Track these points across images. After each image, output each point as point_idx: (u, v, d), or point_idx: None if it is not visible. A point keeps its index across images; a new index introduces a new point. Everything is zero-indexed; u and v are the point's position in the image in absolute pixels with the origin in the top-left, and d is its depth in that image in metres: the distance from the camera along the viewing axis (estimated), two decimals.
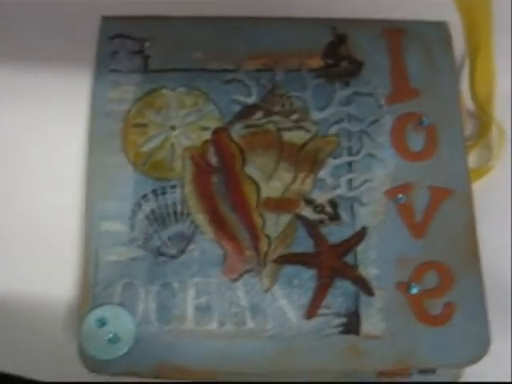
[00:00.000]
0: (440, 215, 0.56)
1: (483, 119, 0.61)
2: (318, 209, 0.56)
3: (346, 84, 0.59)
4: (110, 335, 0.52)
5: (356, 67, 0.60)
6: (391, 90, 0.59)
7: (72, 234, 0.57)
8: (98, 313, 0.53)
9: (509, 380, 0.55)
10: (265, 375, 0.53)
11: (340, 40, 0.60)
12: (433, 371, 0.54)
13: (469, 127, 0.61)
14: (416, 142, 0.58)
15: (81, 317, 0.53)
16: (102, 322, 0.53)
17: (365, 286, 0.54)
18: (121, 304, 0.53)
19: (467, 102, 0.62)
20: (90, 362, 0.52)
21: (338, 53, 0.60)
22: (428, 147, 0.57)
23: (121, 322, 0.53)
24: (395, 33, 0.61)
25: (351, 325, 0.53)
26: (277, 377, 0.54)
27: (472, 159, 0.59)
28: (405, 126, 0.58)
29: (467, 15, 0.63)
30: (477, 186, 0.57)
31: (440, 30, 0.61)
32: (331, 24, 0.61)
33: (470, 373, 0.54)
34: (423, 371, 0.54)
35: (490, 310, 0.53)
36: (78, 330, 0.52)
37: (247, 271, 0.54)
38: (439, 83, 0.59)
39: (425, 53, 0.60)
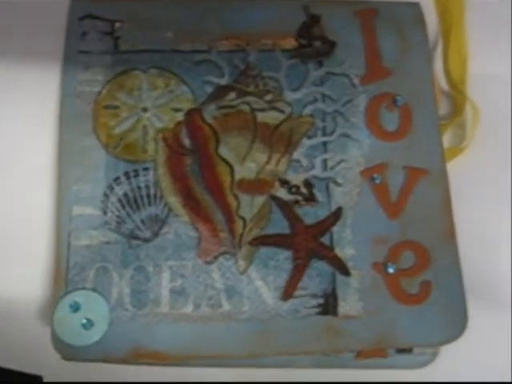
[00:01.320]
0: (415, 195, 0.55)
1: (457, 99, 0.61)
2: (293, 190, 0.55)
3: (320, 64, 0.59)
4: (84, 320, 0.51)
5: (329, 47, 0.59)
6: (365, 70, 0.59)
7: (43, 218, 0.56)
8: (71, 298, 0.52)
9: (509, 380, 0.55)
10: (242, 358, 0.53)
11: (313, 20, 0.60)
12: (410, 351, 0.54)
13: (443, 107, 0.61)
14: (390, 121, 0.57)
15: (54, 302, 0.52)
16: (76, 308, 0.52)
17: (341, 267, 0.53)
18: (94, 289, 0.52)
19: (441, 81, 0.62)
20: (64, 349, 0.51)
21: (312, 33, 0.59)
22: (402, 127, 0.57)
23: (94, 307, 0.52)
24: (368, 13, 0.61)
25: (328, 305, 0.53)
26: (254, 360, 0.53)
27: (446, 139, 0.59)
28: (379, 105, 0.58)
29: None
30: (451, 166, 0.57)
31: (412, 10, 0.61)
32: (304, 4, 0.60)
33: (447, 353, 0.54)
34: (400, 351, 0.54)
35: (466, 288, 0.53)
36: (51, 316, 0.51)
37: (222, 254, 0.54)
38: (412, 63, 0.59)
39: (398, 33, 0.60)
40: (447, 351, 0.54)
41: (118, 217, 0.54)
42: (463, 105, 0.60)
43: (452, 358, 0.55)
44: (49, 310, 0.52)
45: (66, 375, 0.53)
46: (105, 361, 0.52)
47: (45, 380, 0.53)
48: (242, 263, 0.54)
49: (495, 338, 0.56)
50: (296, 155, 0.56)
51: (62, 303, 0.52)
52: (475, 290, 0.54)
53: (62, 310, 0.52)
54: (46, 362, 0.52)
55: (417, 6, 0.61)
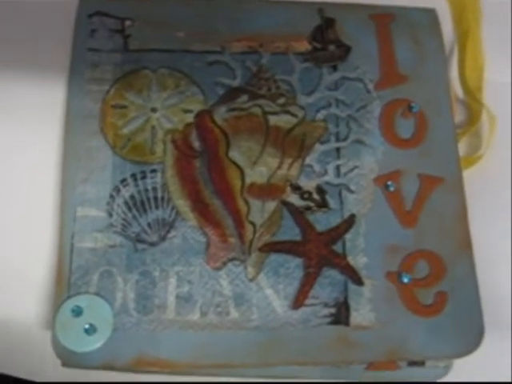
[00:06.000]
0: (430, 203, 0.54)
1: (473, 107, 0.60)
2: (305, 195, 0.54)
3: (334, 68, 0.58)
4: (87, 326, 0.50)
5: (344, 52, 0.58)
6: (380, 75, 0.58)
7: (47, 219, 0.54)
8: (74, 302, 0.50)
9: (509, 380, 0.54)
10: (249, 368, 0.51)
11: (328, 24, 0.59)
12: (422, 364, 0.52)
13: (459, 115, 0.60)
14: (405, 128, 0.56)
15: (56, 306, 0.50)
16: (78, 312, 0.50)
17: (354, 276, 0.52)
18: (98, 293, 0.51)
19: (457, 89, 0.61)
20: (65, 354, 0.49)
21: (326, 37, 0.58)
22: (418, 134, 0.56)
23: (98, 312, 0.50)
24: (384, 18, 0.60)
25: (340, 315, 0.51)
26: (262, 370, 0.51)
27: (462, 147, 0.58)
28: (393, 112, 0.57)
29: (455, 2, 0.63)
30: (467, 175, 0.55)
31: (428, 16, 0.61)
32: (319, 7, 0.60)
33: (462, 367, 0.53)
34: (412, 363, 0.52)
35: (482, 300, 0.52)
36: (53, 320, 0.50)
37: (231, 259, 0.52)
38: (428, 69, 0.58)
39: (413, 38, 0.59)
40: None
41: (123, 219, 0.53)
42: (479, 113, 0.59)
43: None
44: (50, 314, 0.51)
45: (65, 378, 0.51)
46: (107, 368, 0.50)
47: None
48: (251, 270, 0.52)
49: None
50: (308, 160, 0.55)
51: (63, 307, 0.50)
52: (490, 301, 0.53)
53: (64, 314, 0.50)
54: (47, 368, 0.51)
55: (433, 12, 0.61)
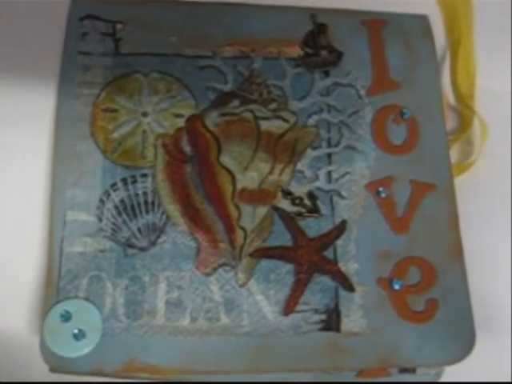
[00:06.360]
0: (422, 210, 0.54)
1: (465, 114, 0.60)
2: (297, 201, 0.54)
3: (326, 74, 0.58)
4: (75, 331, 0.49)
5: (336, 57, 0.58)
6: (372, 81, 0.58)
7: (36, 223, 0.54)
8: (63, 307, 0.50)
9: (509, 380, 0.54)
10: (239, 374, 0.50)
11: (320, 29, 0.59)
12: (413, 370, 0.52)
13: (450, 122, 0.60)
14: (397, 135, 0.56)
15: (44, 311, 0.50)
16: (67, 317, 0.50)
17: (345, 282, 0.52)
18: (87, 298, 0.50)
19: (449, 96, 0.61)
20: (53, 360, 0.49)
21: (318, 42, 0.58)
22: (409, 140, 0.56)
23: (87, 317, 0.50)
24: (376, 24, 0.59)
25: (331, 321, 0.51)
26: (252, 376, 0.51)
27: (453, 154, 0.58)
28: (385, 118, 0.56)
29: (448, 9, 0.62)
30: (458, 181, 0.55)
31: (420, 22, 0.60)
32: (311, 13, 0.59)
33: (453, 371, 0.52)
34: (403, 370, 0.52)
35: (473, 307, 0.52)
36: (41, 325, 0.49)
37: (221, 265, 0.52)
38: (420, 76, 0.58)
39: (405, 45, 0.59)
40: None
41: (113, 224, 0.52)
42: (471, 120, 0.59)
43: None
44: (39, 319, 0.50)
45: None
46: (96, 374, 0.50)
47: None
48: (241, 276, 0.52)
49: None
50: (300, 166, 0.55)
51: (52, 312, 0.50)
52: (481, 308, 0.53)
53: (53, 319, 0.49)
54: (35, 373, 0.50)
55: (425, 18, 0.60)
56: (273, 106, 0.56)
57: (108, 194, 0.53)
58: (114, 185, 0.53)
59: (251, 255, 0.52)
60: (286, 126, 0.55)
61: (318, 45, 0.58)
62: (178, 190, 0.53)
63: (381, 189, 0.54)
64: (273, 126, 0.55)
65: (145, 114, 0.55)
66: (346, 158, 0.55)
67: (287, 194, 0.54)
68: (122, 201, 0.53)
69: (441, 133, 0.56)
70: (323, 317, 0.51)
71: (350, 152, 0.55)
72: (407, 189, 0.54)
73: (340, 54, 0.58)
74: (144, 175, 0.53)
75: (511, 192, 0.58)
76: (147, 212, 0.53)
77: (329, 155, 0.55)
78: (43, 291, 0.50)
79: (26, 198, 0.54)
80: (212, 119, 0.55)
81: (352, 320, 0.51)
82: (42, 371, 0.49)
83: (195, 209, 0.53)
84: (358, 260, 0.52)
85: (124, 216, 0.52)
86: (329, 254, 0.53)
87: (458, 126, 0.60)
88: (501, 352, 0.55)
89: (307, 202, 0.54)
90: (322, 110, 0.56)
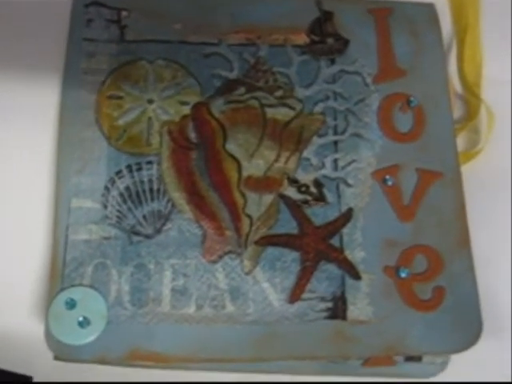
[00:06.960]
0: (428, 198, 0.54)
1: (472, 102, 0.59)
2: (303, 189, 0.53)
3: (332, 61, 0.57)
4: (80, 318, 0.49)
5: (342, 45, 0.58)
6: (378, 69, 0.57)
7: (41, 211, 0.54)
8: (68, 294, 0.49)
9: (509, 380, 0.53)
10: (245, 362, 0.50)
11: (326, 17, 0.58)
12: (419, 359, 0.52)
13: (457, 110, 0.60)
14: (403, 122, 0.56)
15: (49, 299, 0.49)
16: (72, 305, 0.49)
17: (351, 270, 0.51)
18: (92, 285, 0.50)
19: (455, 84, 0.60)
20: (58, 347, 0.49)
21: (324, 30, 0.58)
22: (416, 128, 0.56)
23: (92, 305, 0.49)
24: (382, 12, 0.59)
25: (337, 309, 0.51)
26: (257, 364, 0.51)
27: (460, 142, 0.58)
28: (392, 106, 0.56)
29: None
30: (465, 169, 0.55)
31: (427, 10, 0.60)
32: (317, 0, 0.59)
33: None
34: (409, 359, 0.52)
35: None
36: (46, 313, 0.49)
37: (227, 253, 0.52)
38: (427, 64, 0.58)
39: (412, 33, 0.59)
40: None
41: (118, 211, 0.52)
42: (478, 108, 0.59)
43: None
44: (44, 307, 0.50)
45: (58, 374, 0.51)
46: (100, 362, 0.49)
47: (37, 380, 0.50)
48: (247, 263, 0.51)
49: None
50: (306, 154, 0.54)
51: (57, 299, 0.49)
52: (488, 296, 0.52)
53: (58, 306, 0.49)
54: (39, 361, 0.50)
55: (431, 6, 0.60)
56: (279, 93, 0.56)
57: (113, 182, 0.52)
58: (119, 172, 0.53)
59: (257, 243, 0.52)
60: (292, 113, 0.55)
61: (325, 32, 0.58)
62: (184, 178, 0.53)
63: (387, 177, 0.54)
64: (279, 113, 0.55)
65: (150, 101, 0.55)
66: (353, 145, 0.55)
67: (293, 181, 0.53)
68: (127, 188, 0.52)
69: (447, 121, 0.56)
70: (329, 305, 0.51)
71: (356, 140, 0.55)
72: (414, 177, 0.54)
73: (346, 42, 0.58)
74: (149, 162, 0.53)
75: None
76: (152, 199, 0.52)
77: (335, 143, 0.55)
78: (48, 279, 0.50)
79: (30, 185, 0.54)
80: (218, 106, 0.55)
81: (358, 308, 0.51)
82: (46, 359, 0.49)
83: (201, 196, 0.53)
84: (365, 248, 0.52)
85: (129, 203, 0.52)
86: (335, 241, 0.52)
87: (465, 114, 0.60)
88: (501, 352, 0.54)
89: (313, 189, 0.53)
90: (328, 98, 0.56)
